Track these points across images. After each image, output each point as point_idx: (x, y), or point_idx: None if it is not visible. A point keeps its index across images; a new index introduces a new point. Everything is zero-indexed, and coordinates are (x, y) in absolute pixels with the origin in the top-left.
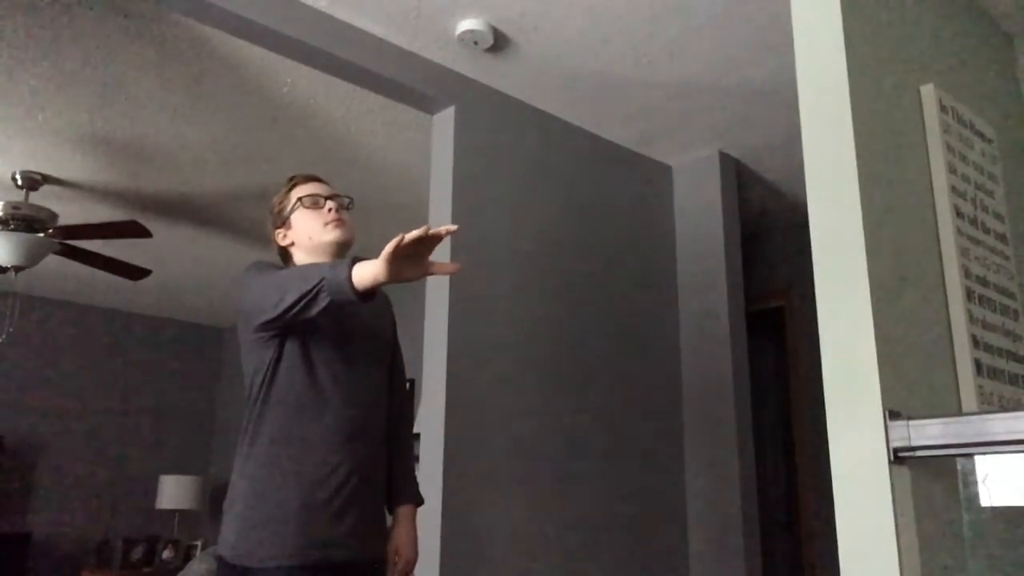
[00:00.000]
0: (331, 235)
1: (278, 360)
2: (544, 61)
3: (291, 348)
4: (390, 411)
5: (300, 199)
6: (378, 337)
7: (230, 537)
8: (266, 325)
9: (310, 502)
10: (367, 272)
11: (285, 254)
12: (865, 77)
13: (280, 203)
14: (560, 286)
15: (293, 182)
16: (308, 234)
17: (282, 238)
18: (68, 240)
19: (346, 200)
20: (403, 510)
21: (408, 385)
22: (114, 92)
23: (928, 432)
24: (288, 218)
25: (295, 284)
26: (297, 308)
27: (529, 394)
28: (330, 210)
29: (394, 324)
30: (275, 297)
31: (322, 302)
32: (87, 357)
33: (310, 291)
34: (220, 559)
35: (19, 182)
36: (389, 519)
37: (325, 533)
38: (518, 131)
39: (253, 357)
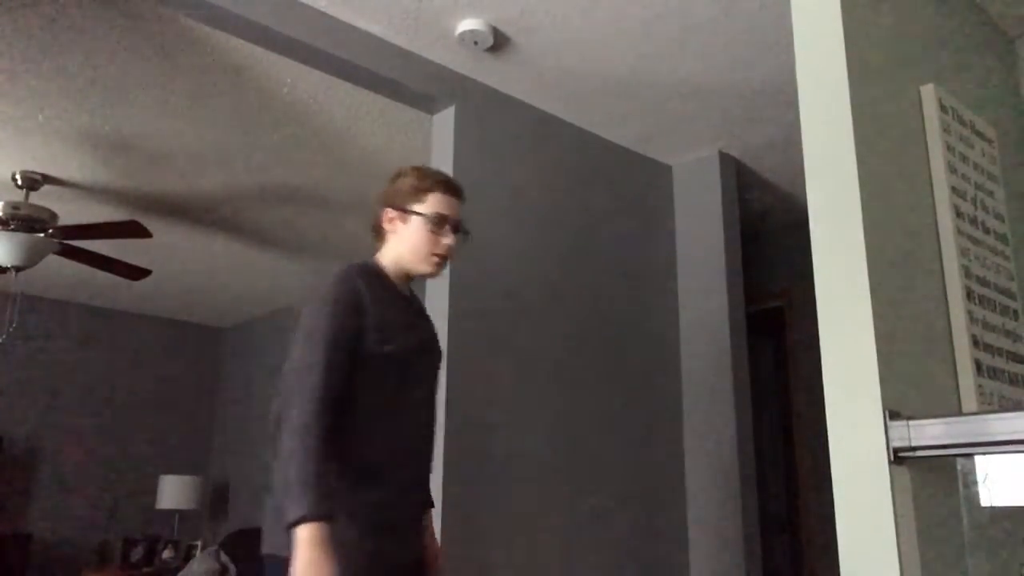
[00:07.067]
0: (426, 269)
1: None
2: (544, 61)
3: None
4: None
5: (435, 216)
6: (432, 352)
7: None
8: None
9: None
10: (311, 543)
11: (380, 232)
12: (865, 77)
13: (412, 194)
14: (560, 286)
15: (436, 186)
16: (412, 248)
17: (389, 222)
18: (68, 240)
19: (466, 235)
20: (428, 514)
21: None
22: (114, 92)
23: (928, 432)
24: (409, 215)
25: (297, 462)
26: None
27: (528, 394)
28: (447, 244)
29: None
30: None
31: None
32: (87, 357)
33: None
34: (272, 558)
35: (19, 182)
36: None
37: (392, 537)
38: (518, 131)
39: None
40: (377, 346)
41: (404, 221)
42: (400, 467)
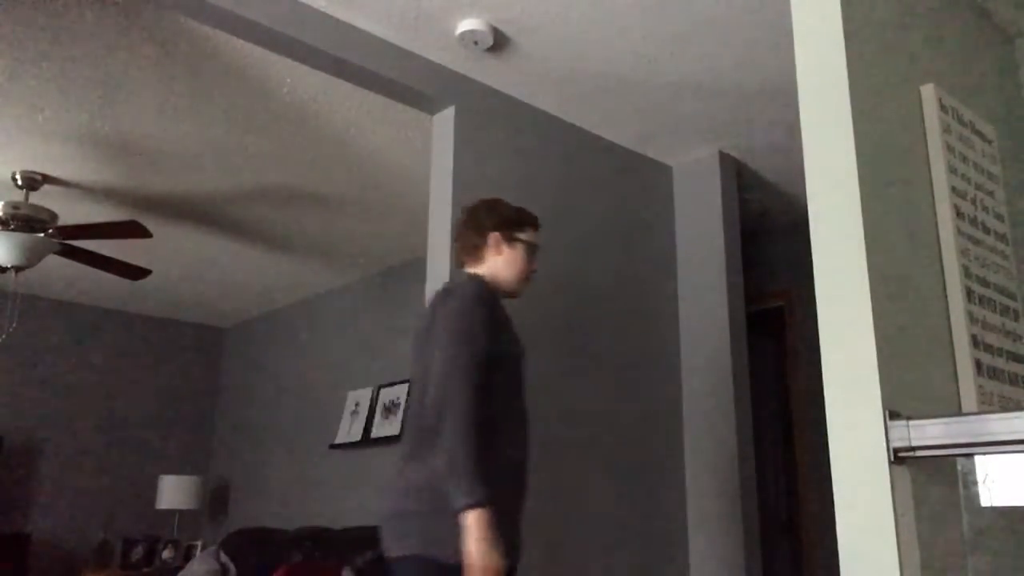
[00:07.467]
0: (520, 289)
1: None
2: (544, 61)
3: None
4: None
5: (532, 244)
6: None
7: (451, 539)
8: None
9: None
10: (485, 526)
11: (478, 252)
12: (865, 77)
13: (517, 223)
14: (559, 287)
15: (531, 219)
16: (510, 269)
17: (494, 243)
18: (68, 240)
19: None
20: None
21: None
22: (114, 92)
23: (928, 432)
24: (514, 241)
25: (466, 440)
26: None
27: (527, 394)
28: (533, 270)
29: None
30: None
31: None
32: (87, 357)
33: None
34: (426, 560)
35: (19, 182)
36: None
37: (513, 528)
38: (518, 131)
39: None
40: (507, 347)
41: (510, 246)
42: (520, 467)
